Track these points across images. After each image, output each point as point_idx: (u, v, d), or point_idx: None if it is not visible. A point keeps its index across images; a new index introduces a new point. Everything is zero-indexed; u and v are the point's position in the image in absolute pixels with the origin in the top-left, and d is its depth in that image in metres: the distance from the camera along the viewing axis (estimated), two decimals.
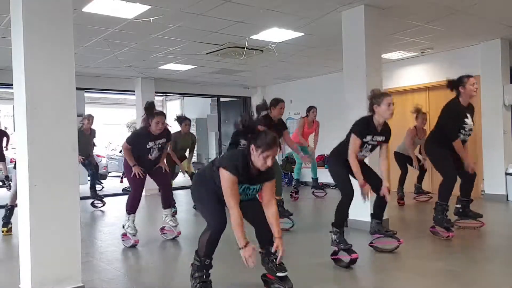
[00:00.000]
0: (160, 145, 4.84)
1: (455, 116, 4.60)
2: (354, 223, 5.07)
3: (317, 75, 10.01)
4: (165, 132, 4.88)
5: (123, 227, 4.81)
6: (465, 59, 7.51)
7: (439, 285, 3.30)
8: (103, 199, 7.85)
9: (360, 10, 5.11)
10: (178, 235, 5.01)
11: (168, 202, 5.07)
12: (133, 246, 4.70)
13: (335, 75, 9.27)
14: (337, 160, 4.00)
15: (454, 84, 4.65)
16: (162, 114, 4.75)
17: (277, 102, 5.32)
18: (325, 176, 9.77)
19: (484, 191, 7.35)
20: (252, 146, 2.85)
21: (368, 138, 3.81)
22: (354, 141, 3.77)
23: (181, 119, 6.83)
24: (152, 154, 4.82)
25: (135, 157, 4.77)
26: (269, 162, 2.84)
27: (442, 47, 7.44)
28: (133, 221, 4.78)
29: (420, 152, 7.14)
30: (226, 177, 2.84)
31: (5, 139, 9.46)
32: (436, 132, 4.85)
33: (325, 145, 8.94)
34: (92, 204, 7.68)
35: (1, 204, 7.69)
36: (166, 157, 6.69)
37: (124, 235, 4.81)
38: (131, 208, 4.82)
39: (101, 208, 7.65)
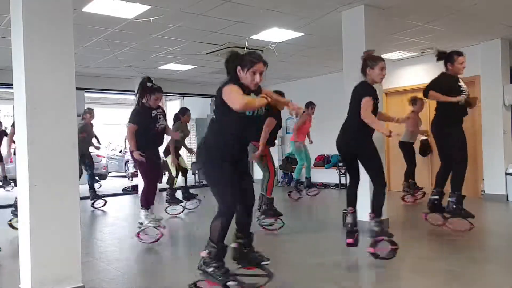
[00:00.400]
0: (161, 115, 4.86)
1: (447, 81, 4.67)
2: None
3: (317, 75, 10.00)
4: (160, 107, 4.95)
5: (141, 225, 4.75)
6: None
7: (439, 285, 3.30)
8: (104, 198, 7.82)
9: (360, 10, 5.12)
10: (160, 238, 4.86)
11: (151, 201, 4.93)
12: (157, 240, 4.65)
13: (335, 75, 9.26)
14: (366, 137, 3.86)
15: (444, 58, 4.74)
16: (160, 90, 4.80)
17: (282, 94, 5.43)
18: (325, 176, 9.81)
19: (484, 191, 7.35)
20: (238, 68, 2.93)
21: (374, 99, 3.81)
22: (368, 102, 3.67)
23: (184, 110, 7.19)
24: (159, 122, 4.81)
25: (144, 144, 4.74)
26: (257, 78, 2.90)
27: (442, 47, 7.37)
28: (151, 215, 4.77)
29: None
30: (229, 88, 2.84)
31: (5, 138, 9.44)
32: (438, 110, 4.84)
33: (325, 145, 8.98)
34: (92, 205, 7.61)
35: (3, 204, 7.73)
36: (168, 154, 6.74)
37: (138, 234, 4.76)
38: (147, 202, 4.77)
39: (102, 208, 7.63)
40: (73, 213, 3.17)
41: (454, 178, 4.73)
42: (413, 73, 8.32)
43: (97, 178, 10.64)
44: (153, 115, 4.77)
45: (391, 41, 6.81)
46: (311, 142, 8.02)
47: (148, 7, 4.85)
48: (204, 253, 2.98)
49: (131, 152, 4.82)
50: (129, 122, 4.78)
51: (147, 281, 3.62)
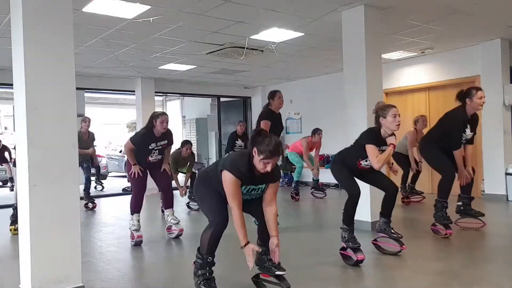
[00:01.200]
0: (161, 147, 4.91)
1: (461, 127, 4.59)
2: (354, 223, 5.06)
3: (317, 75, 10.00)
4: (168, 133, 4.96)
5: (129, 228, 4.92)
6: (465, 59, 7.50)
7: (439, 285, 3.30)
8: (94, 201, 7.72)
9: (360, 10, 5.11)
10: (181, 232, 5.08)
11: (169, 203, 5.16)
12: (138, 244, 4.76)
13: (335, 75, 9.27)
14: (339, 164, 4.02)
15: (462, 95, 4.63)
16: (165, 114, 4.89)
17: (273, 93, 5.37)
18: (325, 176, 9.80)
19: (484, 191, 7.35)
20: (255, 149, 2.85)
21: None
22: (373, 150, 3.73)
23: (183, 143, 7.09)
24: (152, 156, 4.88)
25: (137, 160, 4.86)
26: (268, 168, 2.85)
27: (442, 47, 7.44)
28: (138, 220, 4.88)
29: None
30: (228, 179, 2.86)
31: (6, 153, 9.47)
32: (436, 133, 4.84)
33: (325, 145, 8.96)
34: (86, 206, 7.55)
35: (4, 204, 7.74)
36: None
37: (132, 235, 4.88)
38: (134, 208, 4.91)
39: (100, 208, 7.64)
40: (73, 213, 3.16)
41: (438, 186, 4.80)
42: (413, 73, 8.32)
43: (102, 181, 10.63)
44: (150, 147, 4.83)
45: (391, 41, 6.81)
46: (317, 173, 8.07)
47: (148, 7, 4.85)
48: (192, 262, 3.10)
49: (129, 164, 4.97)
50: (130, 139, 4.90)
51: (147, 281, 3.62)
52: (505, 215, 6.29)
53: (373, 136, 3.82)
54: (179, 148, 7.03)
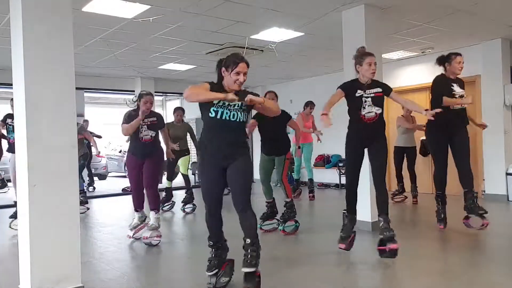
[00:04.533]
0: (150, 123, 4.79)
1: (438, 85, 4.72)
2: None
3: (317, 75, 10.01)
4: (156, 113, 4.99)
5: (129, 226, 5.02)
6: (465, 59, 7.43)
7: (439, 285, 3.29)
8: (87, 205, 7.52)
9: (360, 10, 5.11)
10: (158, 239, 4.84)
11: (155, 203, 4.87)
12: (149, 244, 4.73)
13: (335, 75, 9.25)
14: (350, 141, 4.06)
15: (442, 60, 4.79)
16: (150, 94, 4.84)
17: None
18: (325, 176, 9.81)
19: (484, 191, 7.35)
20: (223, 69, 3.03)
21: (360, 92, 3.81)
22: (335, 94, 3.84)
23: (175, 109, 7.10)
24: (142, 132, 4.75)
25: (132, 149, 4.90)
26: (241, 78, 2.97)
27: (442, 47, 7.43)
28: (139, 218, 4.95)
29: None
30: (199, 85, 2.98)
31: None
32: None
33: (326, 146, 8.95)
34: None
35: (3, 204, 7.73)
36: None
37: (144, 237, 4.78)
38: (135, 205, 4.95)
39: (100, 208, 7.64)
40: (73, 213, 3.16)
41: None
42: (413, 73, 8.32)
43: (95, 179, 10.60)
44: None
45: (391, 41, 6.81)
46: (318, 139, 7.71)
47: (148, 6, 4.85)
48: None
49: (128, 161, 4.99)
50: (122, 123, 4.86)
51: (147, 281, 3.62)
52: (505, 215, 6.29)
53: (349, 82, 3.90)
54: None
